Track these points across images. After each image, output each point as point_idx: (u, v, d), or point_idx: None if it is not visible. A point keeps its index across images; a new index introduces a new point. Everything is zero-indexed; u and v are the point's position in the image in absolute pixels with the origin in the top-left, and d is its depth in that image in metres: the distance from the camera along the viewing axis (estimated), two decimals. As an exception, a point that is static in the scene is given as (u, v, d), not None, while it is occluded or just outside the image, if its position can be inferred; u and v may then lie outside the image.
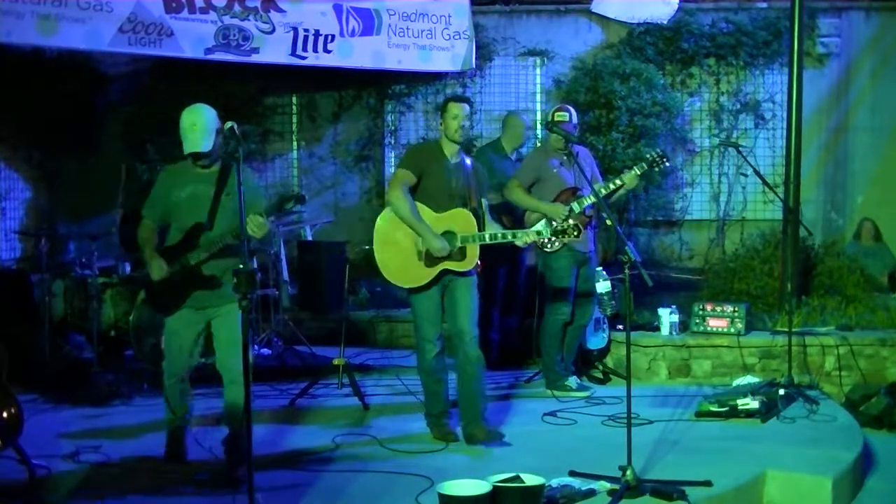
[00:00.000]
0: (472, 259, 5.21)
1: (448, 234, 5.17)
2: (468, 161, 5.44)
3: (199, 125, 4.65)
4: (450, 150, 5.33)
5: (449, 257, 5.16)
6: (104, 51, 8.34)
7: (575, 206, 6.17)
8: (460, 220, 5.22)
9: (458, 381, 5.35)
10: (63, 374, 6.79)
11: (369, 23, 9.27)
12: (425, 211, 5.19)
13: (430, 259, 5.15)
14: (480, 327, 5.38)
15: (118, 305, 7.37)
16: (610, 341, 7.15)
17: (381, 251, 5.23)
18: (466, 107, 5.32)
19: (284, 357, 7.59)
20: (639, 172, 6.30)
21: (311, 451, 5.14)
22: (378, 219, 5.26)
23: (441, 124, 5.35)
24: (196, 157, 4.72)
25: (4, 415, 4.55)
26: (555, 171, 6.42)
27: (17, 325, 7.21)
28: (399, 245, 5.19)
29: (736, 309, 7.12)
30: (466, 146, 7.81)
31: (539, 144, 9.08)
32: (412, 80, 10.47)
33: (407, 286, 5.25)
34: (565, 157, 6.30)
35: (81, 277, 7.40)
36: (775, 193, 7.13)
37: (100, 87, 10.27)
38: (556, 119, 6.42)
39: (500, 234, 5.21)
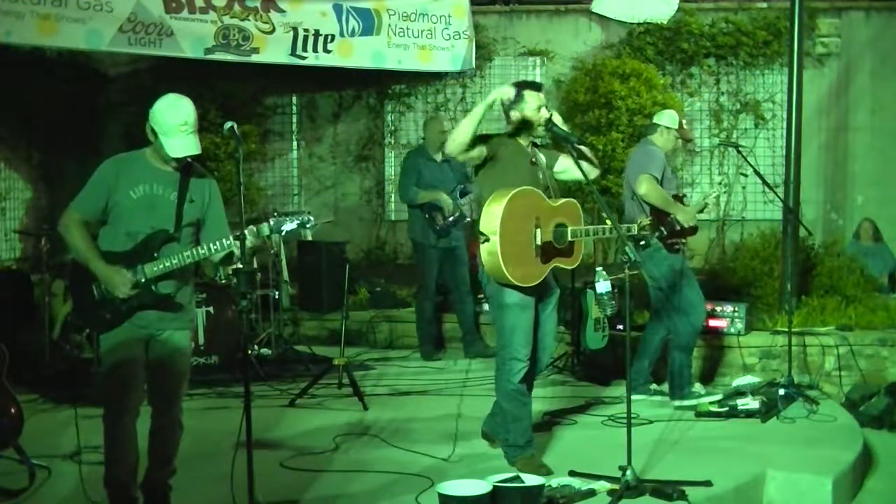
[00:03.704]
0: (579, 256, 4.74)
1: (560, 229, 4.61)
2: (540, 153, 4.87)
3: (191, 123, 3.85)
4: (525, 140, 4.79)
5: (559, 252, 4.63)
6: (104, 51, 8.35)
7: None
8: (572, 211, 4.69)
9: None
10: (63, 374, 6.79)
11: (369, 23, 9.28)
12: (542, 198, 4.59)
13: (545, 255, 4.57)
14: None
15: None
16: (610, 342, 7.15)
17: (504, 243, 4.43)
18: (542, 95, 4.75)
19: (284, 357, 7.60)
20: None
21: (311, 451, 5.13)
22: (489, 207, 4.47)
23: (513, 115, 4.75)
24: (180, 161, 3.91)
25: (4, 415, 4.55)
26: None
27: (17, 325, 7.20)
28: (516, 237, 4.48)
29: (736, 309, 7.12)
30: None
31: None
32: (412, 80, 10.49)
33: (525, 284, 4.54)
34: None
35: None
36: (775, 193, 7.13)
37: (100, 87, 10.28)
38: (684, 125, 6.28)
39: (604, 229, 4.67)
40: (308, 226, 4.09)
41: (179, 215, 3.94)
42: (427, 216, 7.60)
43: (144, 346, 3.99)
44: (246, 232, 3.87)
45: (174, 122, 3.82)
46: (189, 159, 3.93)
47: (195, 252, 3.92)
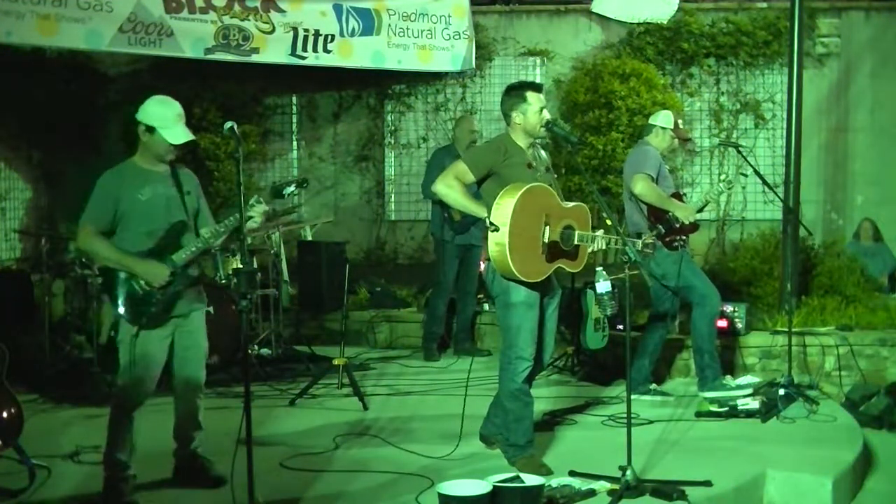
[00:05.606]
0: (583, 261, 4.72)
1: (568, 231, 4.61)
2: (543, 152, 4.90)
3: (183, 115, 4.24)
4: (525, 142, 4.75)
5: (565, 254, 4.63)
6: (104, 51, 8.35)
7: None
8: (581, 215, 4.70)
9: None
10: (63, 374, 6.79)
11: (369, 23, 9.28)
12: (555, 198, 4.61)
13: (551, 253, 4.56)
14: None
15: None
16: (610, 342, 7.15)
17: (512, 235, 4.44)
18: (542, 96, 4.76)
19: (284, 357, 7.59)
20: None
21: (311, 451, 5.13)
22: (502, 199, 4.47)
23: (514, 117, 4.73)
24: (173, 150, 4.28)
25: (4, 415, 4.55)
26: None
27: (17, 325, 7.21)
28: (525, 232, 4.48)
29: (736, 309, 7.11)
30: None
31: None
32: (412, 80, 10.49)
33: (528, 279, 4.54)
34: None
35: (81, 277, 7.39)
36: (775, 193, 7.12)
37: (100, 87, 10.28)
38: (680, 125, 6.35)
39: (611, 239, 4.62)
40: (305, 187, 4.53)
41: (185, 206, 4.33)
42: (446, 213, 7.60)
43: (171, 335, 4.33)
44: (255, 202, 4.26)
45: (171, 113, 4.21)
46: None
47: (215, 230, 4.30)
